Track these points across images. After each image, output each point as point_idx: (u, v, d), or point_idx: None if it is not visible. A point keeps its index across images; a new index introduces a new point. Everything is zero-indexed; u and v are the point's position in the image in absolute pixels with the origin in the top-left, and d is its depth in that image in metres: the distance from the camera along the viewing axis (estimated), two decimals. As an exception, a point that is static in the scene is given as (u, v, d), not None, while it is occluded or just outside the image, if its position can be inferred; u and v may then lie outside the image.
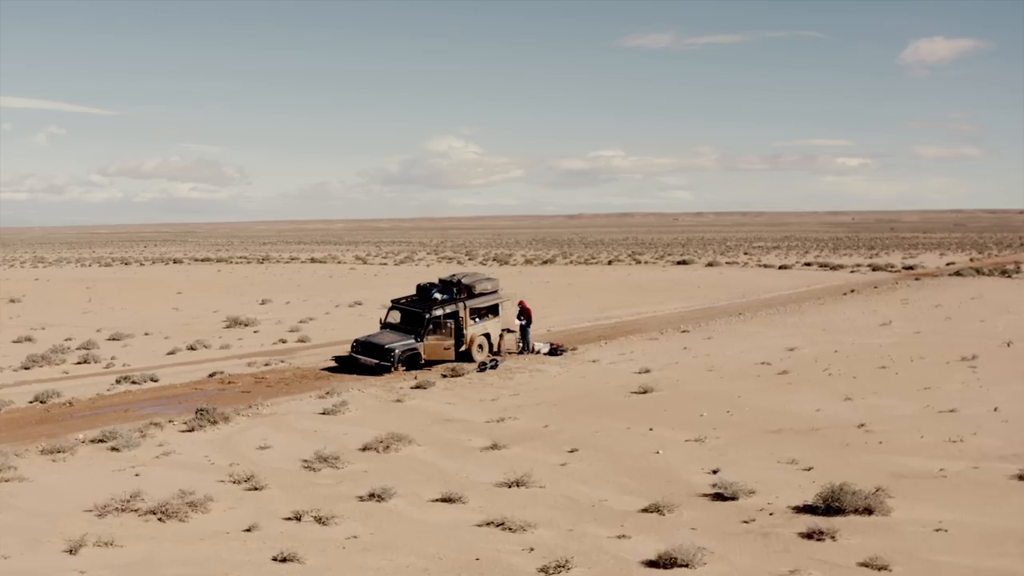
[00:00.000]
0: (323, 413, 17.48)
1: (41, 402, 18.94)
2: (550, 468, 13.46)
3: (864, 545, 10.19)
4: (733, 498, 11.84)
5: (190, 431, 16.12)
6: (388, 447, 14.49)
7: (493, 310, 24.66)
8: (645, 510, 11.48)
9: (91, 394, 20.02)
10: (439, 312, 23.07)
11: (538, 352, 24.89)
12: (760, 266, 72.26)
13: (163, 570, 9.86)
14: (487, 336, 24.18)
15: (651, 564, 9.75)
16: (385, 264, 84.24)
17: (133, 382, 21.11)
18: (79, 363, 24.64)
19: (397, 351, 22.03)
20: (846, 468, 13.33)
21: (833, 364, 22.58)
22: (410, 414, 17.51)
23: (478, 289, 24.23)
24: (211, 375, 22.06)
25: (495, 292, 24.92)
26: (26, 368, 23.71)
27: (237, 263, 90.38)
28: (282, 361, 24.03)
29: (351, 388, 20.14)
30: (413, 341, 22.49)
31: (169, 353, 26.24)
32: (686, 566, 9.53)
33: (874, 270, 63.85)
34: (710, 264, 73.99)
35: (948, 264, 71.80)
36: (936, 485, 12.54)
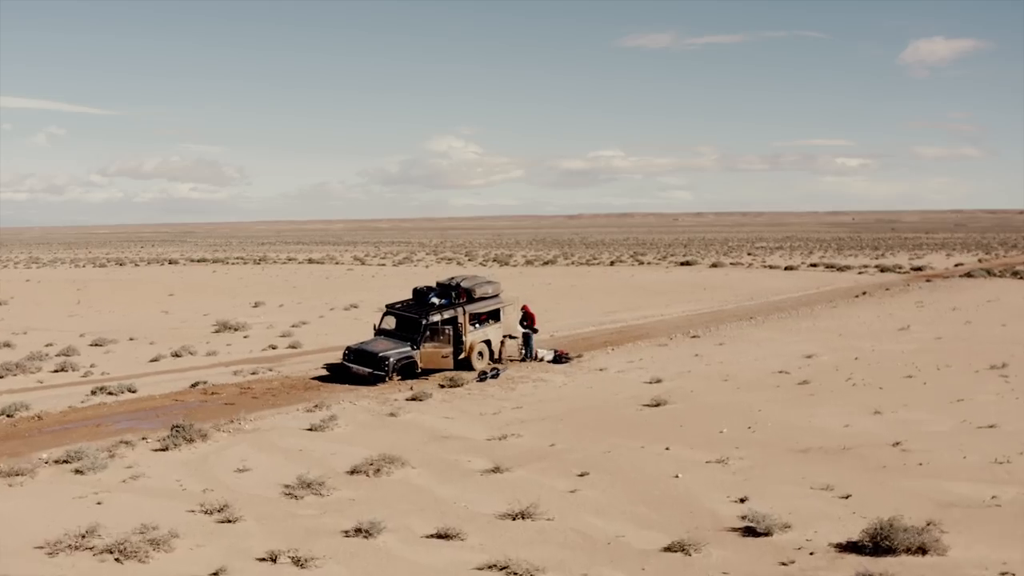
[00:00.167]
0: (310, 429, 16.10)
1: (8, 416, 17.58)
2: (558, 495, 12.10)
3: (924, 594, 8.85)
4: (766, 534, 10.47)
5: (163, 450, 14.75)
6: (379, 470, 13.12)
7: (494, 315, 23.28)
8: (668, 548, 10.11)
9: (63, 406, 18.65)
10: (436, 318, 21.70)
11: (541, 360, 23.52)
12: (765, 267, 70.91)
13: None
14: (488, 343, 22.81)
15: (679, 619, 8.41)
16: (383, 265, 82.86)
17: (109, 393, 19.75)
18: (56, 371, 23.28)
19: (392, 360, 20.65)
20: (887, 495, 11.99)
21: (855, 373, 21.24)
22: (404, 430, 16.15)
23: (478, 293, 22.84)
24: (193, 385, 20.70)
25: (496, 296, 23.54)
26: (-1, 377, 22.37)
27: (233, 264, 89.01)
28: (270, 370, 22.65)
29: (342, 400, 18.79)
30: (409, 349, 21.11)
31: (152, 360, 24.87)
32: (721, 622, 8.19)
33: (882, 271, 62.53)
34: (714, 265, 72.63)
35: (957, 265, 70.49)
36: (990, 516, 11.18)
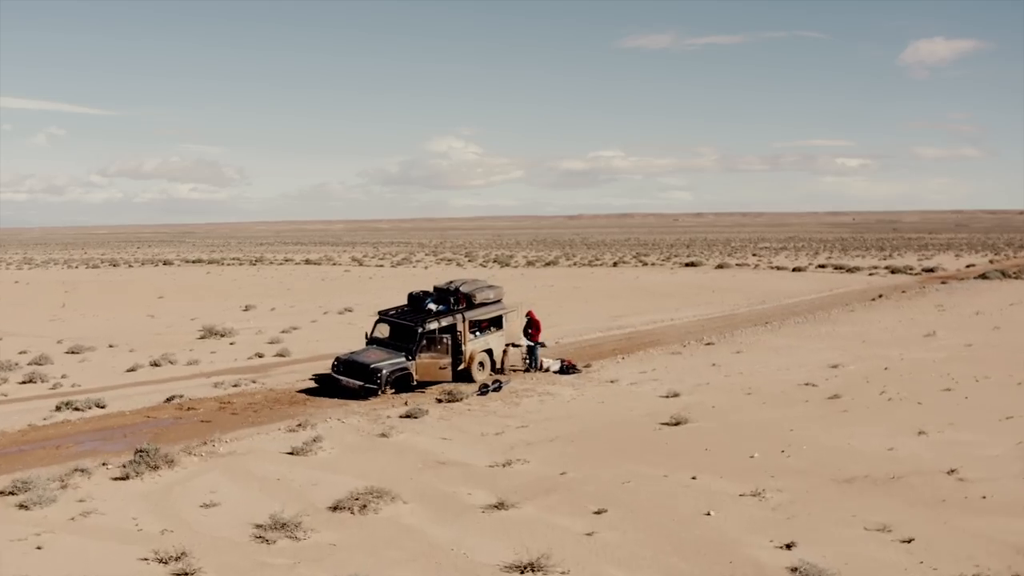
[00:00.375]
0: (291, 453, 14.37)
1: (-41, 436, 15.89)
2: (573, 539, 10.38)
3: None
4: (825, 593, 8.79)
5: (123, 479, 13.03)
6: (365, 506, 11.41)
7: (496, 322, 21.55)
8: (708, 613, 8.43)
9: (22, 424, 16.95)
10: (434, 325, 19.96)
11: (547, 370, 21.80)
12: (772, 268, 69.25)
13: None
14: (489, 352, 21.07)
15: None
16: (382, 266, 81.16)
17: (75, 409, 18.03)
18: (24, 382, 21.55)
19: (384, 372, 18.92)
20: (955, 538, 10.31)
21: (888, 385, 19.54)
22: (396, 454, 14.43)
23: (479, 298, 21.08)
24: (169, 399, 18.98)
25: (498, 302, 21.78)
26: (-40, 389, 20.66)
27: (229, 265, 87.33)
28: (253, 382, 20.92)
29: (329, 417, 17.07)
30: (403, 359, 19.37)
31: (129, 370, 23.15)
32: None
33: (893, 273, 60.92)
34: (720, 266, 70.94)
35: (968, 266, 68.90)
36: (1083, 566, 9.49)
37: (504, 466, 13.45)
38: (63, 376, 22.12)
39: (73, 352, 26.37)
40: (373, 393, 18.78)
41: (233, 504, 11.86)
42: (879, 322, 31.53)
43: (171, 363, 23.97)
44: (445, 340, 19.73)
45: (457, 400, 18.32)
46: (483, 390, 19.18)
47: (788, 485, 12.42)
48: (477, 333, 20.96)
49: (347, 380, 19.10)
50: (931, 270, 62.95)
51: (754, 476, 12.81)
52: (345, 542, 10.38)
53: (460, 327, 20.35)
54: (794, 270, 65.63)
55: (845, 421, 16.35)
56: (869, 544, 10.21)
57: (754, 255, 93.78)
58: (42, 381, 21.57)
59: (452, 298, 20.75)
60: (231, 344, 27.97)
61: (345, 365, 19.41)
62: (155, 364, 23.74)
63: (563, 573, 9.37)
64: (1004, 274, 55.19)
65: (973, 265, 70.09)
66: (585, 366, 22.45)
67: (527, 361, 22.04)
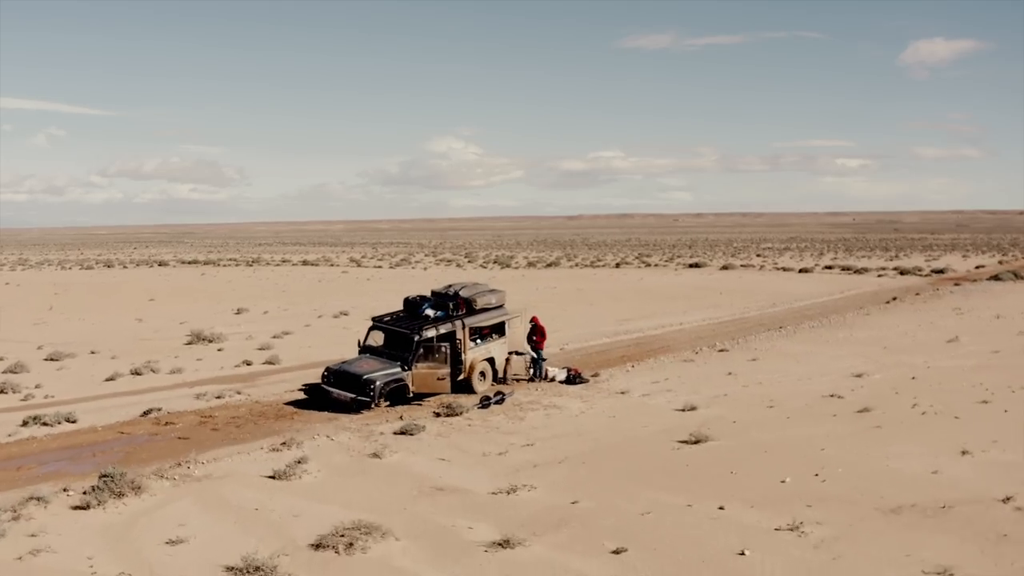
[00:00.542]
0: (272, 477, 13.01)
1: (-89, 455, 14.53)
2: (590, 586, 9.03)
3: None
4: (891, 660, 7.42)
5: (83, 508, 11.67)
6: (351, 544, 10.04)
7: (498, 329, 20.17)
8: None
9: (-16, 441, 15.59)
10: (431, 333, 18.59)
11: (552, 380, 20.45)
12: (778, 269, 67.89)
13: None
14: (491, 361, 19.71)
15: None
16: (380, 267, 79.80)
17: (44, 423, 16.67)
18: (-6, 393, 20.20)
19: (378, 383, 17.54)
20: (1030, 585, 8.94)
21: (920, 397, 18.16)
22: (389, 478, 13.07)
23: (480, 303, 19.69)
24: (146, 413, 17.63)
25: (500, 307, 20.38)
26: (-75, 401, 19.31)
27: (225, 266, 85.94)
28: (238, 393, 19.55)
29: (317, 434, 15.70)
30: (399, 370, 17.99)
31: (108, 379, 21.79)
32: None
33: (902, 274, 59.58)
34: (725, 267, 69.58)
35: (977, 267, 67.57)
36: None
37: (509, 493, 12.09)
38: (37, 386, 20.77)
39: (52, 359, 25.02)
40: (366, 406, 17.43)
41: (203, 540, 10.49)
42: (897, 326, 30.17)
43: (153, 372, 22.61)
44: (443, 349, 18.35)
45: (456, 414, 16.96)
46: (484, 403, 17.81)
47: (828, 516, 11.06)
48: (478, 341, 19.60)
49: (338, 392, 17.72)
50: (941, 271, 61.57)
51: (789, 505, 11.45)
52: (327, 590, 9.03)
53: (460, 334, 18.99)
54: (801, 271, 64.25)
55: (880, 439, 14.97)
56: (932, 593, 8.86)
57: (758, 256, 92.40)
58: (13, 392, 20.21)
59: (451, 303, 19.36)
60: (219, 351, 26.61)
61: (336, 376, 18.04)
62: (136, 373, 22.38)
63: (580, 632, 8.01)
64: (1016, 276, 53.82)
65: (983, 266, 68.73)
66: (593, 375, 21.09)
67: (531, 370, 20.67)
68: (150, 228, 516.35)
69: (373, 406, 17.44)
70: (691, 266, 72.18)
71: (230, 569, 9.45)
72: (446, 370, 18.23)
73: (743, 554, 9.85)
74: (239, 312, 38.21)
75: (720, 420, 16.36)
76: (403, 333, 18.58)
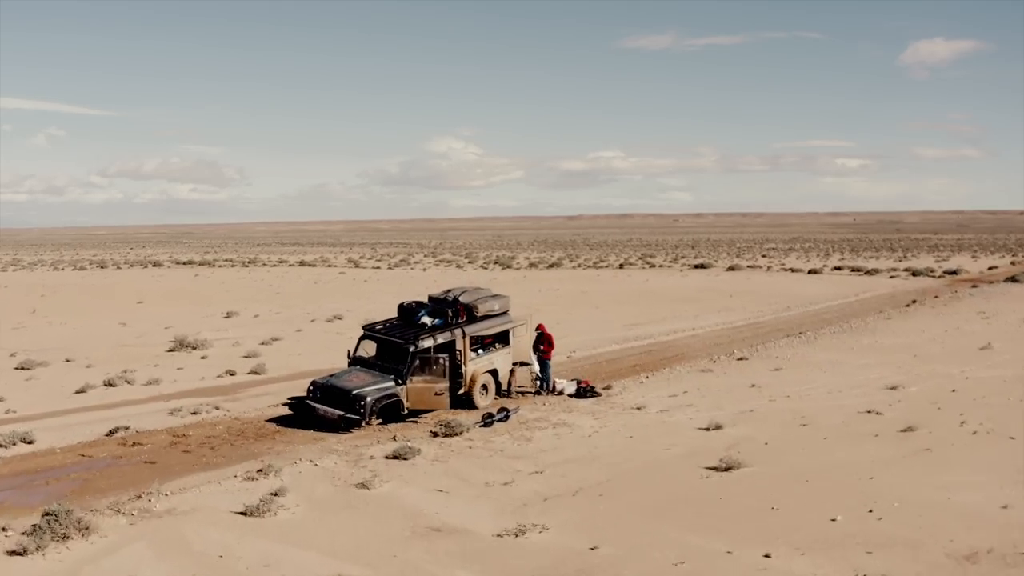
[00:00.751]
0: (244, 513, 11.31)
1: None
2: (620, 668, 7.33)
3: None
4: None
5: (20, 554, 9.97)
6: (330, 607, 8.35)
7: (502, 338, 18.45)
8: None
9: (-74, 467, 13.90)
10: (428, 343, 16.86)
11: (561, 393, 18.75)
12: (786, 270, 66.22)
13: None
14: (493, 374, 17.99)
15: None
16: (378, 268, 78.11)
17: (-2, 444, 14.98)
18: (-49, 408, 18.50)
19: (369, 399, 15.82)
20: None
21: (966, 414, 16.46)
22: (378, 515, 11.37)
23: (482, 310, 17.95)
24: (112, 432, 15.93)
25: (504, 314, 18.64)
26: None
27: (220, 266, 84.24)
28: (216, 408, 17.81)
29: (300, 458, 14.01)
30: (392, 384, 16.26)
31: (78, 391, 20.08)
32: None
33: (913, 275, 57.90)
34: (731, 268, 67.91)
35: (990, 268, 65.90)
36: None
37: (516, 536, 10.38)
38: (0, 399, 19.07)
39: (23, 368, 23.33)
40: (355, 424, 15.72)
41: (153, 599, 8.80)
42: (923, 332, 28.49)
43: (128, 383, 20.91)
44: (442, 360, 16.61)
45: (456, 433, 15.25)
46: (487, 420, 16.10)
47: (894, 566, 9.37)
48: (480, 351, 17.88)
49: (324, 409, 16.00)
50: (954, 272, 59.91)
51: (845, 551, 9.76)
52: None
53: (460, 344, 17.27)
54: (810, 272, 62.58)
55: (932, 465, 13.28)
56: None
57: (763, 256, 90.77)
58: (-28, 406, 18.50)
59: (450, 310, 17.60)
60: (202, 358, 24.91)
61: (322, 391, 16.32)
62: (109, 384, 20.66)
63: None
64: (1033, 277, 52.20)
65: (995, 267, 67.07)
66: (605, 387, 19.39)
67: (538, 383, 18.98)
68: (150, 228, 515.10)
69: (363, 424, 15.73)
70: (696, 267, 70.49)
71: (180, 641, 7.76)
72: (444, 384, 16.49)
73: (802, 620, 8.16)
74: (228, 316, 36.51)
75: (750, 441, 14.67)
76: (397, 343, 16.85)
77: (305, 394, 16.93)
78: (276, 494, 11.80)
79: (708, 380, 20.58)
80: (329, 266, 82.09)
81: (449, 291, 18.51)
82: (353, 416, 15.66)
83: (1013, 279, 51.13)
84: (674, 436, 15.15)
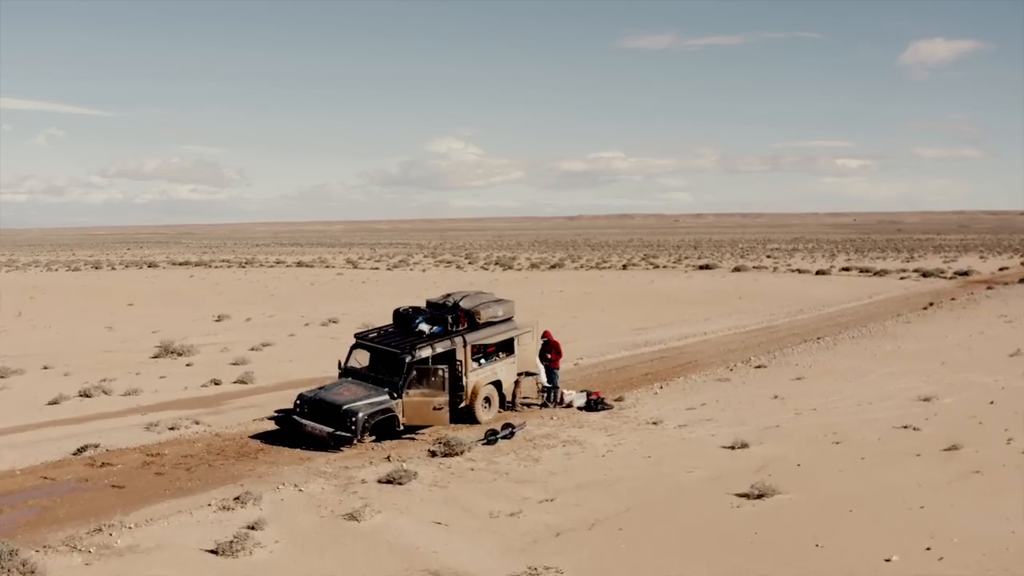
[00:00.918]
0: (214, 551, 9.95)
1: None
2: None
3: None
4: None
5: (-48, 605, 8.64)
6: None
7: (506, 346, 17.07)
8: None
9: None
10: (426, 353, 15.47)
11: (569, 405, 17.39)
12: (792, 271, 64.85)
13: None
14: (497, 385, 16.60)
15: None
16: (377, 269, 76.73)
17: (-48, 466, 13.61)
18: (-88, 421, 17.13)
19: (361, 415, 14.44)
20: None
21: (1012, 429, 15.08)
22: (369, 554, 10.00)
23: (484, 316, 16.53)
24: (80, 450, 14.56)
25: (508, 320, 17.20)
26: None
27: (217, 267, 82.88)
28: (196, 423, 16.43)
29: (283, 482, 12.64)
30: (386, 398, 14.88)
31: (51, 403, 18.71)
32: None
33: (924, 276, 56.56)
34: (737, 269, 66.57)
35: (1001, 269, 64.55)
36: None
37: (527, 580, 9.03)
38: (-35, 412, 17.71)
39: (-3, 376, 21.97)
40: (346, 442, 14.34)
41: (98, 666, 7.44)
42: (946, 336, 27.12)
43: (105, 393, 19.54)
44: (441, 372, 15.21)
45: (456, 453, 13.88)
46: (490, 438, 14.72)
47: (969, 622, 8.01)
48: (482, 361, 16.50)
49: (312, 426, 14.62)
50: (965, 273, 58.58)
51: (909, 602, 8.40)
52: None
53: (460, 354, 15.88)
54: (818, 273, 61.21)
55: (985, 491, 11.91)
56: None
57: (768, 257, 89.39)
58: (-66, 420, 17.14)
59: (450, 316, 16.19)
60: (187, 366, 23.55)
61: (311, 405, 14.94)
62: (85, 395, 19.30)
63: None
64: (1048, 278, 50.92)
65: (1006, 268, 65.73)
66: (616, 399, 18.03)
67: (545, 395, 17.61)
68: (150, 228, 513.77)
69: (355, 442, 14.36)
70: (701, 268, 69.13)
71: None
72: (444, 398, 15.10)
73: None
74: (220, 319, 35.14)
75: (780, 462, 13.31)
76: (392, 353, 15.45)
77: (292, 407, 15.54)
78: (253, 527, 10.45)
79: (727, 390, 19.21)
80: (327, 267, 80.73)
81: (449, 296, 17.09)
82: (343, 433, 14.28)
83: (1028, 280, 49.85)
84: (696, 456, 13.78)
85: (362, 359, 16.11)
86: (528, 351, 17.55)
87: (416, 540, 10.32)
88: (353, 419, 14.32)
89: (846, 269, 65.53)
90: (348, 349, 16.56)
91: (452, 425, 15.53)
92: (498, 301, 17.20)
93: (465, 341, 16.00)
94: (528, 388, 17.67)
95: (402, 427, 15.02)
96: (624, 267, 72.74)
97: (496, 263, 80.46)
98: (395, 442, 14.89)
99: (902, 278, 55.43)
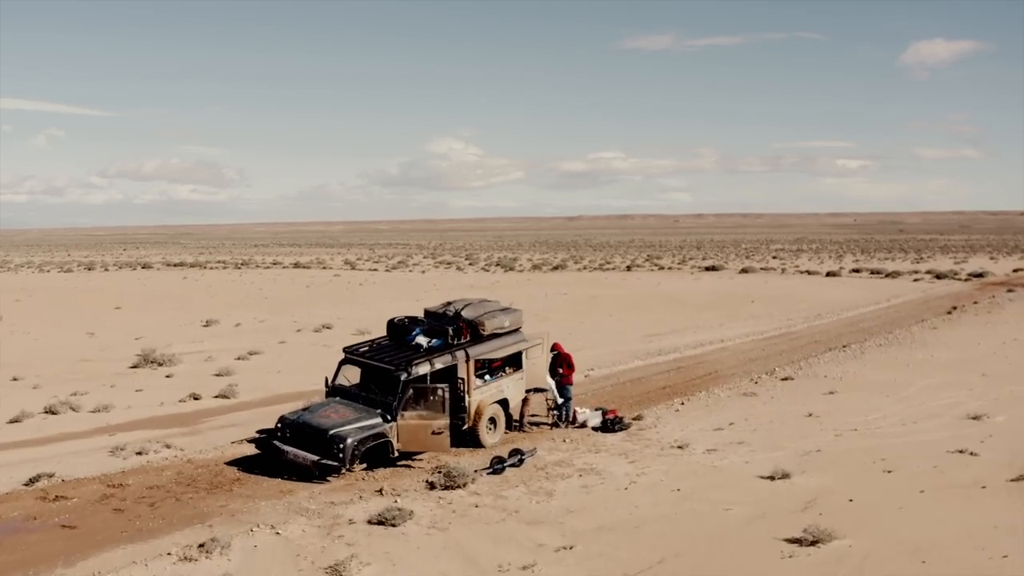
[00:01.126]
0: (168, 620, 8.27)
1: None
2: None
3: None
4: None
5: None
6: None
7: (513, 361, 15.35)
8: None
9: None
10: (424, 369, 13.77)
11: (583, 426, 15.70)
12: (802, 272, 63.17)
13: None
14: (503, 404, 14.88)
15: None
16: (375, 270, 75.02)
17: None
18: None
19: (350, 441, 12.74)
20: None
21: (1081, 454, 13.42)
22: (354, 621, 8.31)
23: (489, 328, 14.78)
24: (33, 480, 12.87)
25: (516, 331, 15.46)
26: None
27: (212, 268, 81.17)
28: (167, 447, 14.73)
29: (259, 523, 10.93)
30: (379, 420, 13.18)
31: (12, 421, 17.04)
32: None
33: (938, 278, 54.91)
34: (744, 270, 64.89)
35: (1015, 271, 62.88)
36: None
37: (546, 663, 7.33)
38: (-85, 432, 16.02)
39: (-41, 389, 20.28)
40: (333, 472, 12.65)
41: None
42: (978, 344, 25.45)
43: (73, 409, 17.84)
44: (440, 391, 13.48)
45: (459, 485, 12.18)
46: (497, 467, 13.02)
47: None
48: (487, 377, 14.78)
49: (295, 453, 12.91)
50: (980, 275, 56.95)
51: None
52: None
53: (463, 371, 14.16)
54: (828, 275, 59.51)
55: (1075, 533, 10.24)
56: None
57: (774, 258, 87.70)
58: None
59: (451, 328, 14.44)
60: (167, 377, 21.87)
61: (293, 429, 13.23)
62: (50, 411, 17.60)
63: None
64: (1067, 280, 49.30)
65: (1020, 269, 64.06)
66: (635, 417, 16.33)
67: (557, 413, 15.92)
68: (149, 229, 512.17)
69: (343, 472, 12.68)
70: (708, 269, 67.45)
71: None
72: (444, 420, 13.37)
73: None
74: (208, 324, 33.44)
75: (829, 496, 11.62)
76: (386, 370, 13.73)
77: (273, 430, 13.82)
78: (217, 585, 8.76)
79: (754, 407, 17.51)
80: (324, 268, 79.01)
81: (449, 304, 15.34)
82: (330, 462, 12.58)
83: (1048, 283, 48.22)
84: (732, 488, 12.08)
85: (352, 376, 14.38)
86: (537, 365, 15.83)
87: (411, 603, 8.63)
88: (341, 445, 12.61)
89: (856, 271, 63.87)
90: (336, 365, 14.82)
91: (453, 449, 13.84)
92: (504, 310, 15.46)
93: (468, 355, 14.27)
94: (536, 403, 15.97)
95: (396, 453, 13.32)
96: (628, 268, 71.06)
97: (497, 264, 78.76)
98: (389, 471, 13.19)
99: (916, 280, 53.81)
